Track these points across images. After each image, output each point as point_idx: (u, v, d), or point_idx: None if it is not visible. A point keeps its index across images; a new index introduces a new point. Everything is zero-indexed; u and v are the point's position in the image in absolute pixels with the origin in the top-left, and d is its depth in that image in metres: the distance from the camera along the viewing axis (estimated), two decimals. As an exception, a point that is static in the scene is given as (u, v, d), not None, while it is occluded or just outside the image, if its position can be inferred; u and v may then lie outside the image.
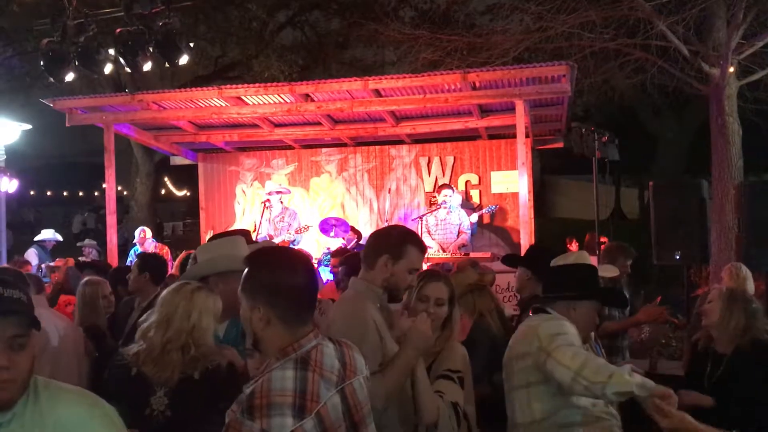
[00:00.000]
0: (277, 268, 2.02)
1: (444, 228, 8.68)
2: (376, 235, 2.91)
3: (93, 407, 1.75)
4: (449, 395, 2.67)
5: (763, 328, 3.55)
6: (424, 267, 3.37)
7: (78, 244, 11.82)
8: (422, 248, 2.80)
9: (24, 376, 1.65)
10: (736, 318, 3.55)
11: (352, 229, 9.35)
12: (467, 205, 9.71)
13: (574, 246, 10.60)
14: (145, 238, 9.83)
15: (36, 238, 10.67)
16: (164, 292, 2.80)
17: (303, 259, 2.12)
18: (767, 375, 3.43)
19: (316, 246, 10.22)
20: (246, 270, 2.05)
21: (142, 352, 2.67)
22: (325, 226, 9.60)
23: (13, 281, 1.72)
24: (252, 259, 2.10)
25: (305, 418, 1.82)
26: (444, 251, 8.41)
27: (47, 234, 10.57)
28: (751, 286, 5.18)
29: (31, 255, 9.82)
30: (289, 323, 1.97)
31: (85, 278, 4.81)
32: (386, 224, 9.87)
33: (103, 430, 1.74)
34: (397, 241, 2.73)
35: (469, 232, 8.82)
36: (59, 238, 10.66)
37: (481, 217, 9.69)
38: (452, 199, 8.78)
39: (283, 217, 9.00)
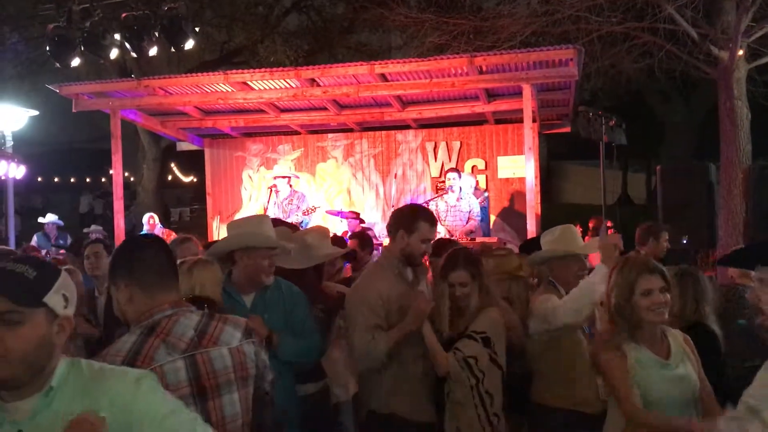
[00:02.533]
0: (126, 246, 2.29)
1: (454, 214, 8.66)
2: (394, 214, 3.45)
3: (140, 380, 1.75)
4: (466, 351, 3.20)
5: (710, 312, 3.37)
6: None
7: (84, 230, 11.88)
8: (433, 222, 3.33)
9: (19, 354, 1.59)
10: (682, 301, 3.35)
11: (351, 212, 9.39)
12: (475, 190, 9.67)
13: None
14: (154, 225, 9.89)
15: (39, 220, 10.69)
16: None
17: (151, 236, 2.41)
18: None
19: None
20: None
21: None
22: (332, 212, 9.69)
23: (27, 258, 1.71)
24: (113, 250, 2.38)
25: None
26: (452, 236, 8.41)
27: (50, 218, 10.57)
28: None
29: (34, 242, 9.86)
30: (149, 291, 2.15)
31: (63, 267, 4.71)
32: (392, 209, 9.87)
33: (151, 396, 1.75)
34: (410, 217, 3.30)
35: (479, 218, 8.80)
36: (60, 222, 10.66)
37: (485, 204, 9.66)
38: (458, 183, 8.75)
39: (292, 200, 9.03)
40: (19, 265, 1.65)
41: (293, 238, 3.85)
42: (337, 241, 4.95)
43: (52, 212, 11.19)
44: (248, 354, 2.28)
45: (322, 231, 4.20)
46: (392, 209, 9.76)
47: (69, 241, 10.36)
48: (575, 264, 3.47)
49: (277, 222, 4.24)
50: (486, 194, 9.61)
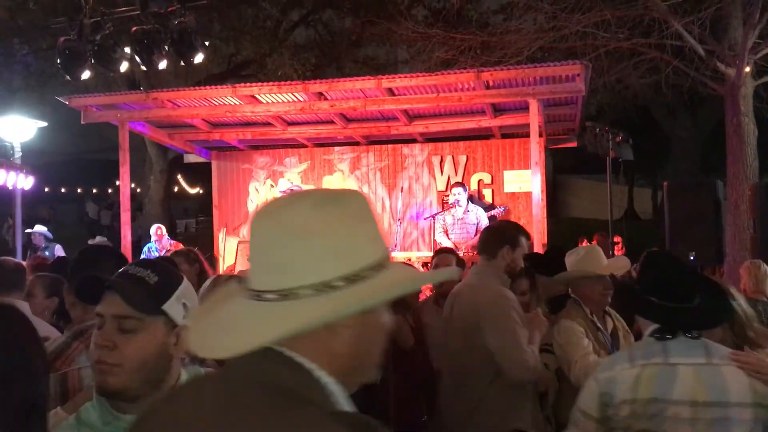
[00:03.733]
0: (78, 255, 2.53)
1: (461, 227, 8.65)
2: (494, 231, 3.61)
3: None
4: (551, 365, 3.38)
5: None
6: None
7: (89, 242, 11.88)
8: (528, 236, 3.56)
9: (133, 363, 1.52)
10: None
11: None
12: (480, 204, 9.68)
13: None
14: (162, 236, 9.91)
15: (26, 230, 10.65)
16: (203, 287, 2.93)
17: (104, 249, 2.64)
18: None
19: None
20: None
21: None
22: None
23: (150, 263, 1.67)
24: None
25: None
26: (458, 250, 8.41)
27: (38, 228, 10.51)
28: None
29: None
30: (84, 303, 2.32)
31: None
32: (398, 223, 9.89)
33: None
34: (513, 233, 3.45)
35: None
36: (48, 234, 10.62)
37: (492, 218, 9.67)
38: (464, 196, 8.79)
39: None
40: (140, 269, 1.60)
41: None
42: None
43: (59, 223, 11.20)
44: None
45: None
46: (398, 222, 9.85)
47: (56, 251, 10.25)
48: (600, 284, 3.49)
49: None
50: (503, 208, 9.58)
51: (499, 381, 3.18)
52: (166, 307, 1.58)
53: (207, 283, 3.08)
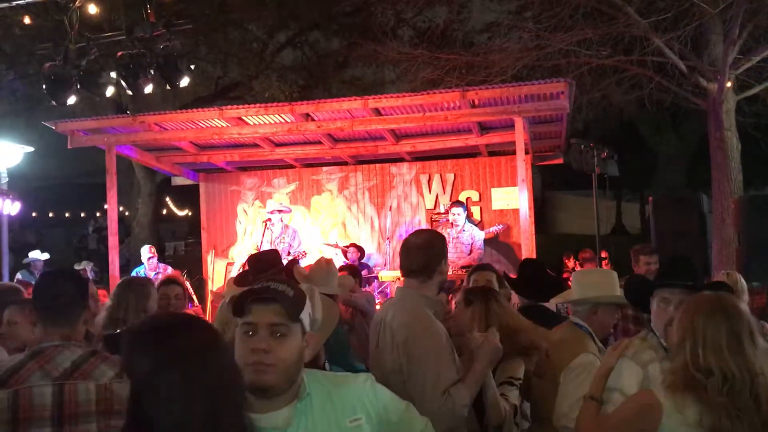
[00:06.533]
0: (42, 278, 2.74)
1: (455, 246, 8.64)
2: (424, 246, 2.98)
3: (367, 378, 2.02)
4: (511, 399, 3.07)
5: None
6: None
7: (75, 266, 11.79)
8: None
9: (283, 363, 1.78)
10: None
11: (354, 245, 9.41)
12: (470, 221, 9.71)
13: (572, 262, 10.63)
14: (155, 255, 9.88)
15: (24, 261, 10.69)
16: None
17: (66, 273, 2.76)
18: None
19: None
20: None
21: None
22: (329, 244, 9.74)
23: (281, 280, 1.93)
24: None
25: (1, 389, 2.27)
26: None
27: (34, 255, 10.55)
28: (746, 299, 5.12)
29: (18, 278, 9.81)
30: (44, 322, 2.50)
31: None
32: (388, 242, 9.89)
33: (383, 391, 2.01)
34: (441, 241, 3.08)
35: (482, 249, 8.82)
36: (41, 259, 10.63)
37: (494, 233, 9.67)
38: (462, 217, 8.80)
39: (284, 238, 9.01)
40: (280, 285, 1.85)
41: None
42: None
43: (46, 249, 11.16)
44: (116, 392, 2.42)
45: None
46: (387, 241, 9.86)
47: None
48: (615, 312, 3.42)
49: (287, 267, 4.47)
50: (502, 225, 9.61)
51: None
52: (302, 315, 1.86)
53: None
